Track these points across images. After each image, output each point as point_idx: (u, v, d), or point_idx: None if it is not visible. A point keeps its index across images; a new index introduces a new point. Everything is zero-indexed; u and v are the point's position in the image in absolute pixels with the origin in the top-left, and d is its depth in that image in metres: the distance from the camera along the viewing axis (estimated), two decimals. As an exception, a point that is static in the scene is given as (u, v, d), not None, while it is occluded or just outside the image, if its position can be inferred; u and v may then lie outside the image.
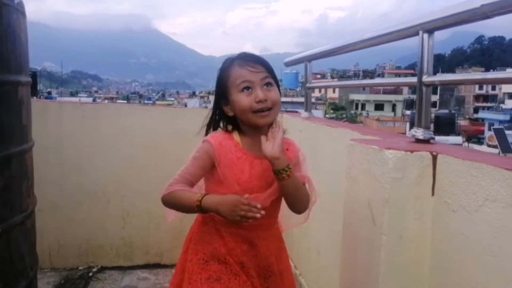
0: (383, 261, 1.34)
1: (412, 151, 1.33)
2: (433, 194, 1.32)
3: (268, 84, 1.44)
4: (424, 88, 1.57)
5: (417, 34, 1.55)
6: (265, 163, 1.42)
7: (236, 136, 1.50)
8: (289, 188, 1.43)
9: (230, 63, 1.48)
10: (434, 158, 1.32)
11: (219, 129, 1.54)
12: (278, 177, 1.40)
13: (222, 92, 1.48)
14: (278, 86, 1.50)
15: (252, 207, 1.30)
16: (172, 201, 1.42)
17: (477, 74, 1.46)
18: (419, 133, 1.56)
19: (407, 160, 1.32)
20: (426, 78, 1.55)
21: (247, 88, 1.42)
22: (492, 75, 1.43)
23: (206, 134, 1.54)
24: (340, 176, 1.68)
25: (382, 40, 1.89)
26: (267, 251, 1.53)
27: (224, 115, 1.52)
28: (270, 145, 1.38)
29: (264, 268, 1.52)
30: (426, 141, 1.54)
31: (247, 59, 1.46)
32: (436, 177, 1.32)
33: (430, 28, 1.51)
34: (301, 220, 1.57)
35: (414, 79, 1.62)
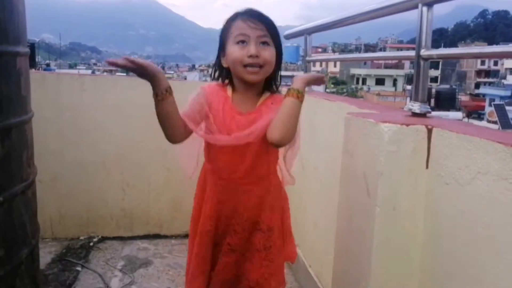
0: (377, 232, 1.37)
1: (407, 125, 1.34)
2: (427, 167, 1.34)
3: (264, 42, 1.44)
4: (422, 62, 1.57)
5: (416, 7, 1.55)
6: (247, 119, 1.46)
7: (229, 90, 1.52)
8: (288, 108, 1.40)
9: (234, 16, 1.48)
10: (429, 131, 1.34)
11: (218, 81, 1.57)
12: (287, 93, 1.41)
13: (222, 43, 1.50)
14: (279, 50, 1.49)
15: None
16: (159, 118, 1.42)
17: (475, 48, 1.46)
18: (416, 107, 1.57)
19: (402, 133, 1.34)
20: (424, 52, 1.55)
21: (242, 41, 1.43)
22: (490, 49, 1.43)
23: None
24: (337, 149, 1.70)
25: (382, 13, 1.87)
26: (249, 204, 1.54)
27: (221, 67, 1.54)
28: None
29: (250, 222, 1.54)
30: (422, 115, 1.56)
31: (251, 14, 1.46)
32: (430, 151, 1.34)
33: (430, 1, 1.50)
34: (290, 182, 1.65)
35: (412, 53, 1.62)
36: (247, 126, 1.43)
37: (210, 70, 1.66)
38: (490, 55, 1.39)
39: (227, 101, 1.49)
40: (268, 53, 1.44)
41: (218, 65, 1.56)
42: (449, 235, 1.23)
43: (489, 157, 1.07)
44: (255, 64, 1.42)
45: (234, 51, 1.43)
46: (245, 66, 1.42)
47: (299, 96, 1.40)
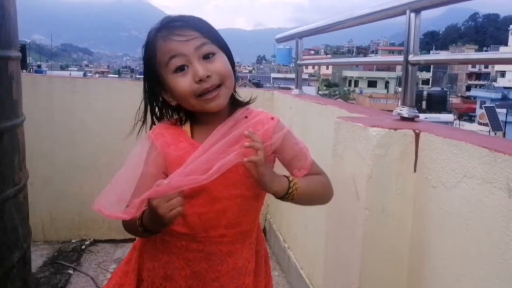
0: (366, 234, 1.39)
1: (395, 129, 1.37)
2: (415, 171, 1.37)
3: (208, 54, 1.07)
4: (410, 67, 1.59)
5: (404, 13, 1.58)
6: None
7: (183, 124, 1.16)
8: (302, 199, 1.13)
9: (153, 36, 1.09)
10: (417, 135, 1.36)
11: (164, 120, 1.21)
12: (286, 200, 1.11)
13: (154, 78, 1.12)
14: (227, 52, 1.13)
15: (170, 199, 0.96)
16: (126, 227, 1.11)
17: (461, 54, 1.50)
18: (404, 111, 1.60)
19: (390, 137, 1.36)
20: (412, 58, 1.57)
21: (181, 67, 1.06)
22: (476, 55, 1.47)
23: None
24: (327, 152, 1.72)
25: (371, 19, 1.90)
26: (235, 271, 1.16)
27: (167, 106, 1.18)
28: (254, 172, 1.02)
29: None
30: (410, 119, 1.58)
31: (172, 25, 1.07)
32: (418, 154, 1.36)
33: (417, 7, 1.53)
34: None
35: (400, 58, 1.64)
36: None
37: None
38: (476, 61, 1.42)
39: (184, 136, 1.13)
40: (219, 64, 1.08)
41: (159, 108, 1.19)
42: (437, 237, 1.25)
43: (474, 161, 1.10)
44: (211, 88, 1.06)
45: (176, 84, 1.06)
46: (200, 95, 1.06)
47: (296, 190, 1.09)
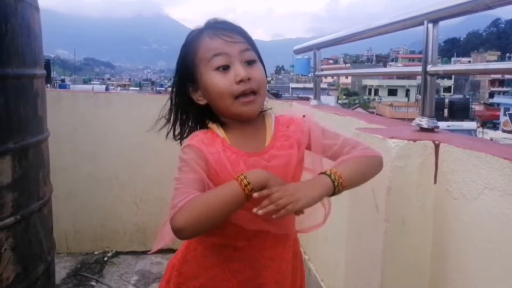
0: (386, 246, 1.38)
1: (415, 140, 1.36)
2: (435, 182, 1.35)
3: (250, 61, 1.09)
4: (428, 78, 1.59)
5: (422, 24, 1.57)
6: (263, 159, 1.07)
7: (218, 129, 1.12)
8: (355, 181, 1.09)
9: (197, 33, 1.11)
10: (437, 147, 1.35)
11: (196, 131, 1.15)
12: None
13: (188, 74, 1.12)
14: (263, 63, 1.15)
15: None
16: (196, 210, 0.94)
17: (480, 64, 1.49)
18: (424, 122, 1.58)
19: (410, 149, 1.35)
20: (430, 68, 1.57)
21: (224, 66, 1.06)
22: (494, 65, 1.46)
23: (169, 136, 1.21)
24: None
25: (388, 29, 1.90)
26: (279, 275, 1.16)
27: (192, 106, 1.15)
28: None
29: None
30: (430, 130, 1.57)
31: (219, 26, 1.09)
32: (438, 166, 1.35)
33: (435, 18, 1.52)
34: (318, 222, 1.13)
35: (418, 69, 1.64)
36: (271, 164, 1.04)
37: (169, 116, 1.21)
38: (496, 71, 1.40)
39: (225, 144, 1.08)
40: (259, 73, 1.10)
41: (185, 105, 1.16)
42: (458, 250, 1.24)
43: (495, 172, 1.08)
44: (248, 91, 1.07)
45: (216, 80, 1.06)
46: (237, 97, 1.06)
47: (342, 184, 1.03)
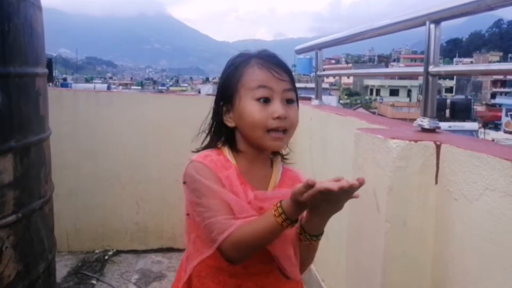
0: (387, 247, 1.38)
1: (416, 141, 1.36)
2: (436, 183, 1.35)
3: (290, 100, 1.11)
4: (430, 78, 1.58)
5: (424, 24, 1.57)
6: (265, 198, 1.08)
7: (228, 155, 1.14)
8: (306, 255, 1.10)
9: (246, 59, 1.13)
10: (438, 147, 1.35)
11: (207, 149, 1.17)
12: (304, 240, 1.05)
13: (227, 94, 1.13)
14: (298, 105, 1.17)
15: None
16: (247, 246, 0.99)
17: (482, 65, 1.49)
18: (425, 122, 1.58)
19: (411, 149, 1.35)
20: (432, 68, 1.56)
21: (266, 99, 1.08)
22: (496, 66, 1.45)
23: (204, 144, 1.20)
24: (347, 164, 1.72)
25: (390, 30, 1.90)
26: None
27: (220, 125, 1.16)
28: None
29: None
30: (431, 131, 1.57)
31: (270, 59, 1.11)
32: (439, 166, 1.35)
33: (437, 18, 1.52)
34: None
35: (420, 69, 1.64)
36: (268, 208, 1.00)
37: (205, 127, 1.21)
38: (498, 72, 1.40)
39: (237, 171, 1.10)
40: (295, 114, 1.11)
41: (217, 123, 1.16)
42: (459, 251, 1.23)
43: (496, 173, 1.08)
44: (281, 128, 1.08)
45: (254, 110, 1.07)
46: (269, 130, 1.08)
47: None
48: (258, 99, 1.08)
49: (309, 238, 1.05)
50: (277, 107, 1.07)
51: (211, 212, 1.01)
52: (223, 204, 1.02)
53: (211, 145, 1.18)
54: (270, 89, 1.08)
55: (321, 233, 1.07)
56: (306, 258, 1.11)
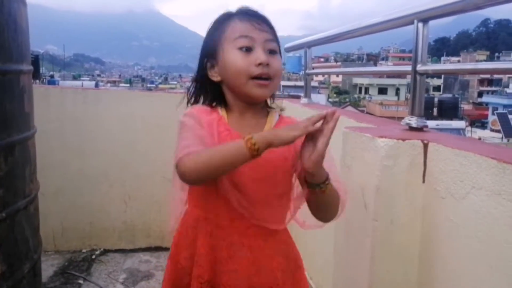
0: (374, 245, 1.39)
1: (404, 139, 1.36)
2: (423, 181, 1.36)
3: (272, 51, 1.13)
4: (418, 77, 1.59)
5: (412, 23, 1.58)
6: None
7: (220, 110, 1.17)
8: (319, 201, 1.10)
9: (227, 16, 1.16)
10: (425, 146, 1.36)
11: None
12: (309, 189, 1.07)
13: (210, 50, 1.16)
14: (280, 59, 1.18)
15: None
16: (201, 158, 0.99)
17: (469, 64, 1.50)
18: (413, 121, 1.59)
19: (398, 148, 1.36)
20: (420, 67, 1.57)
21: (248, 48, 1.10)
22: (483, 65, 1.46)
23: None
24: (336, 163, 1.71)
25: (379, 28, 1.91)
26: (255, 268, 1.14)
27: (206, 82, 1.19)
28: (307, 153, 0.99)
29: None
30: (419, 129, 1.57)
31: (251, 13, 1.15)
32: (426, 165, 1.35)
33: (425, 17, 1.53)
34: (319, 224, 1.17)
35: (408, 68, 1.64)
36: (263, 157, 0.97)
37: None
38: (484, 71, 1.41)
39: (222, 122, 1.14)
40: (278, 63, 1.13)
41: (202, 80, 1.20)
42: (446, 249, 1.24)
43: (483, 172, 1.09)
44: (264, 75, 1.10)
45: (236, 59, 1.10)
46: (252, 78, 1.10)
47: (325, 190, 1.05)
48: (240, 48, 1.10)
49: (315, 187, 1.05)
50: (259, 54, 1.10)
51: (185, 141, 1.05)
52: (197, 137, 1.05)
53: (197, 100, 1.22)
54: (251, 38, 1.11)
55: (321, 183, 1.04)
56: (328, 204, 1.11)
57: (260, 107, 1.19)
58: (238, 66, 1.10)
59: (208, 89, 1.20)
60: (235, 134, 1.11)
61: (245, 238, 1.14)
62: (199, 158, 0.99)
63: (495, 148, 1.25)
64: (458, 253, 1.19)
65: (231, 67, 1.11)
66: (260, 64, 1.09)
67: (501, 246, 1.02)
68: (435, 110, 33.18)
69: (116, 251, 3.30)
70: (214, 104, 1.19)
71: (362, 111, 27.77)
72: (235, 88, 1.14)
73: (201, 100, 1.22)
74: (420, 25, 1.55)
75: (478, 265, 1.10)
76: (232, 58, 1.11)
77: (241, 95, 1.14)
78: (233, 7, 1.19)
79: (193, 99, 1.22)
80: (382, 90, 58.39)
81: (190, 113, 1.13)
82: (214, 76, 1.17)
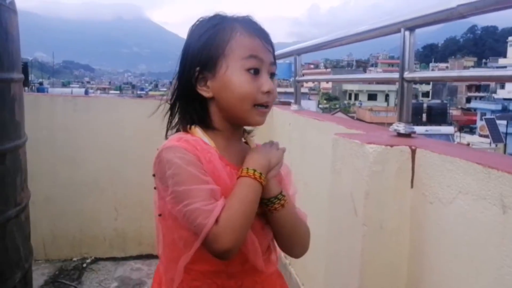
0: (364, 250, 1.40)
1: (392, 146, 1.38)
2: (412, 187, 1.38)
3: (272, 74, 1.04)
4: (405, 84, 1.62)
5: (399, 31, 1.60)
6: None
7: (204, 136, 1.02)
8: (283, 222, 1.04)
9: (230, 22, 1.02)
10: (413, 152, 1.38)
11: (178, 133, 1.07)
12: (267, 208, 1.01)
13: (206, 60, 1.00)
14: None
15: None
16: (237, 222, 0.89)
17: (454, 71, 1.54)
18: (401, 127, 1.61)
19: (387, 154, 1.38)
20: (407, 75, 1.60)
21: (256, 70, 0.99)
22: (469, 72, 1.49)
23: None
24: (326, 169, 1.73)
25: (367, 36, 1.93)
26: None
27: (191, 97, 1.03)
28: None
29: None
30: (407, 135, 1.60)
31: (257, 28, 1.03)
32: (414, 170, 1.37)
33: (411, 26, 1.56)
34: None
35: (396, 75, 1.67)
36: None
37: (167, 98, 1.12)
38: (470, 78, 1.45)
39: (213, 152, 1.00)
40: (275, 87, 1.04)
41: (188, 94, 1.03)
42: (434, 253, 1.26)
43: (469, 177, 1.11)
44: (267, 104, 1.02)
45: (243, 81, 0.98)
46: (256, 105, 1.00)
47: (284, 204, 1.02)
48: (249, 70, 0.98)
49: (272, 202, 1.00)
50: (265, 80, 1.00)
51: (190, 199, 0.88)
52: (204, 190, 0.90)
53: (181, 126, 1.08)
54: (260, 60, 0.99)
55: (278, 194, 1.01)
56: (288, 232, 1.07)
57: (241, 131, 1.11)
58: (245, 91, 0.98)
59: (192, 105, 1.04)
60: (232, 167, 1.01)
61: (257, 276, 1.05)
62: (235, 225, 0.88)
63: (480, 153, 1.28)
64: (445, 257, 1.21)
65: (236, 89, 0.98)
66: (267, 92, 0.99)
67: (488, 250, 1.04)
68: (424, 116, 33.48)
69: (107, 259, 3.29)
70: (190, 126, 1.05)
71: (352, 117, 27.92)
72: (233, 111, 1.01)
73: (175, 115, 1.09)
74: (407, 33, 1.58)
75: (464, 267, 1.12)
76: (240, 80, 0.98)
77: (236, 119, 1.03)
78: (229, 12, 1.05)
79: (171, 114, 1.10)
80: (372, 96, 58.79)
81: (179, 150, 0.95)
82: (204, 91, 1.01)
